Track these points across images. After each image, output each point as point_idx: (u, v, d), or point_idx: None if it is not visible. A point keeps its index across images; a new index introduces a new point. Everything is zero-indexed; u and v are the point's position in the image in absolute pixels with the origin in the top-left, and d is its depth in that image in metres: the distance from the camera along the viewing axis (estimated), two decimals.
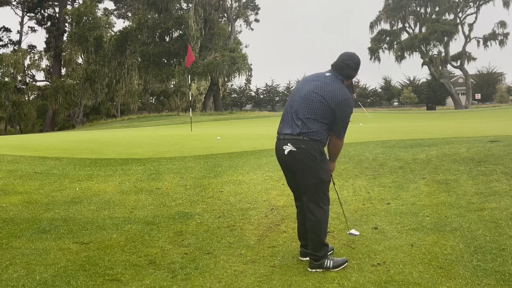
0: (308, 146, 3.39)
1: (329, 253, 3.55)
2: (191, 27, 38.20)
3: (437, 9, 48.19)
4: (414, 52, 48.39)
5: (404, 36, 50.29)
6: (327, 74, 3.54)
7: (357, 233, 3.93)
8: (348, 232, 3.92)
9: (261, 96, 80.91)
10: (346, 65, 3.52)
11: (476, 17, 47.80)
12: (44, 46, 50.81)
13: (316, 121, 3.41)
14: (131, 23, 44.68)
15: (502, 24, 47.05)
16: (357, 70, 3.56)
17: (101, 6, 51.09)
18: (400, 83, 77.27)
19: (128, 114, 48.96)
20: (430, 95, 70.30)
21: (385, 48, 50.55)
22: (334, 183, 3.85)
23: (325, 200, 3.51)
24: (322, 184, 3.47)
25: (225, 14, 44.71)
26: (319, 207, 3.48)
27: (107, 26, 43.80)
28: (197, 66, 36.63)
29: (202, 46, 40.32)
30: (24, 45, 52.52)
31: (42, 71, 51.40)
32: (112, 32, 45.09)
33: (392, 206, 4.84)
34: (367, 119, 15.21)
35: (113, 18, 50.76)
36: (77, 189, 6.14)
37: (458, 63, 49.62)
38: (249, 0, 48.66)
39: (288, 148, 3.42)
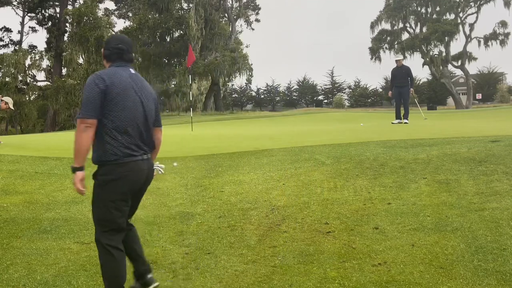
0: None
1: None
2: (191, 27, 38.18)
3: (437, 9, 48.10)
4: (415, 52, 48.33)
5: (405, 36, 50.26)
6: (132, 70, 3.16)
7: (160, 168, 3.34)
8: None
9: (262, 96, 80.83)
10: (129, 52, 3.17)
11: (477, 17, 47.70)
12: (45, 46, 50.76)
13: None
14: (131, 23, 44.67)
15: (503, 24, 46.95)
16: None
17: (101, 6, 50.85)
18: None
19: None
20: (431, 95, 70.20)
21: (386, 48, 50.50)
22: None
23: None
24: None
25: (226, 14, 44.70)
26: None
27: (107, 26, 43.69)
28: (197, 66, 36.63)
29: (203, 46, 40.31)
30: (25, 45, 52.43)
31: (43, 71, 51.26)
32: (113, 32, 45.07)
33: (393, 206, 4.83)
34: (367, 119, 15.09)
35: (113, 18, 50.66)
36: None
37: (459, 63, 49.54)
38: (250, 0, 48.66)
39: (158, 167, 3.25)
